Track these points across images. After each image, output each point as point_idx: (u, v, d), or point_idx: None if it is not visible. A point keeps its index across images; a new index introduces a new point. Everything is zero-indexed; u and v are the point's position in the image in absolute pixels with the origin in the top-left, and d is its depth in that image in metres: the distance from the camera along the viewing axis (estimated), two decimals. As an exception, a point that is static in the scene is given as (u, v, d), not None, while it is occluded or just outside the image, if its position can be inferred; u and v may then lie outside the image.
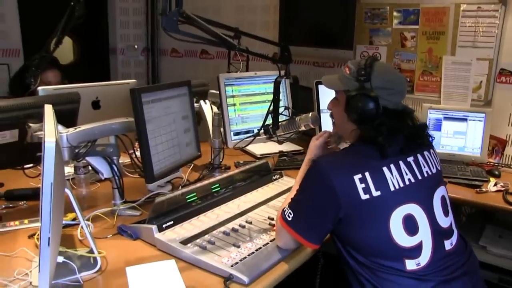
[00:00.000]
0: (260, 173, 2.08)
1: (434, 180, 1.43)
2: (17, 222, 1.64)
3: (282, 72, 1.60)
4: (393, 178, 1.32)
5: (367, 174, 1.29)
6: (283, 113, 1.62)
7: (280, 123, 1.59)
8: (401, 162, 1.35)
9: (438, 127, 2.55)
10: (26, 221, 1.66)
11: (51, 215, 1.04)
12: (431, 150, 1.49)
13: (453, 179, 2.31)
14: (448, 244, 1.38)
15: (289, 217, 1.37)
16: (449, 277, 1.32)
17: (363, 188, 1.28)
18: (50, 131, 1.08)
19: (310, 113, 1.58)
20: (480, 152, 2.49)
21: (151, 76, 4.51)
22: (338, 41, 2.99)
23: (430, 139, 1.50)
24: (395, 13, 2.88)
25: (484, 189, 2.20)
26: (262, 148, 2.55)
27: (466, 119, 2.51)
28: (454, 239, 1.41)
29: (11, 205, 1.82)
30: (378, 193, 1.28)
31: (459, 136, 2.53)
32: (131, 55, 4.49)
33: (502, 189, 2.20)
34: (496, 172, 2.41)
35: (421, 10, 2.79)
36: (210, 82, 2.90)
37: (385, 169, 1.32)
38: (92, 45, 4.45)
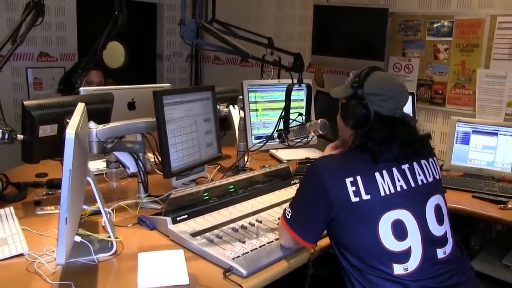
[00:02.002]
0: (281, 177, 2.16)
1: (429, 188, 1.44)
2: (53, 207, 1.83)
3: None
4: (384, 184, 1.35)
5: (358, 178, 1.34)
6: (297, 119, 1.70)
7: (291, 129, 1.67)
8: (394, 169, 1.39)
9: (466, 141, 2.52)
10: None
11: (68, 198, 1.18)
12: (431, 159, 1.50)
13: (477, 193, 2.28)
14: (441, 253, 1.39)
15: (288, 215, 1.46)
16: (441, 285, 1.34)
17: (353, 191, 1.33)
18: (73, 125, 1.23)
19: (319, 120, 1.65)
20: (510, 168, 2.43)
21: (194, 81, 4.71)
22: (370, 52, 3.02)
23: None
24: (428, 25, 2.88)
25: (510, 206, 2.13)
26: (289, 154, 2.64)
27: (496, 134, 2.47)
28: (448, 248, 1.42)
29: (50, 192, 2.01)
30: (368, 197, 1.33)
31: (488, 150, 2.49)
32: (176, 61, 4.72)
33: None
34: (528, 190, 2.34)
35: (455, 22, 2.78)
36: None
37: (377, 174, 1.36)
38: (141, 50, 4.71)
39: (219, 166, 2.42)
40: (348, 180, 1.33)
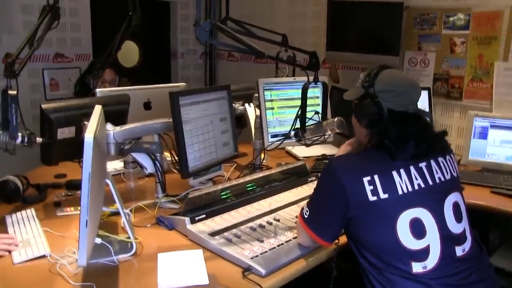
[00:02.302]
0: (297, 175, 2.16)
1: (446, 186, 1.44)
2: (72, 208, 1.86)
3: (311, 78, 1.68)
4: (401, 182, 1.35)
5: (376, 176, 1.34)
6: (313, 117, 1.70)
7: (308, 127, 1.67)
8: (411, 167, 1.38)
9: (484, 136, 2.49)
10: (80, 207, 1.86)
11: (88, 201, 1.20)
12: (448, 156, 1.49)
13: (496, 188, 2.26)
14: (460, 250, 1.39)
15: (305, 214, 1.46)
16: (460, 283, 1.34)
17: (371, 190, 1.33)
18: (91, 128, 1.24)
19: (336, 118, 1.64)
20: (530, 162, 2.41)
21: (209, 78, 4.71)
22: (385, 47, 2.99)
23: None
24: (444, 18, 2.84)
25: (529, 200, 2.11)
26: (306, 151, 2.62)
27: (515, 128, 2.44)
28: (467, 245, 1.41)
29: (70, 194, 2.04)
30: (386, 195, 1.33)
31: (507, 145, 2.46)
32: (191, 59, 4.72)
33: None
34: (547, 184, 2.31)
35: (472, 14, 2.74)
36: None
37: (394, 173, 1.36)
38: (155, 49, 4.72)
39: (236, 164, 2.43)
40: (365, 179, 1.33)
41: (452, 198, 1.43)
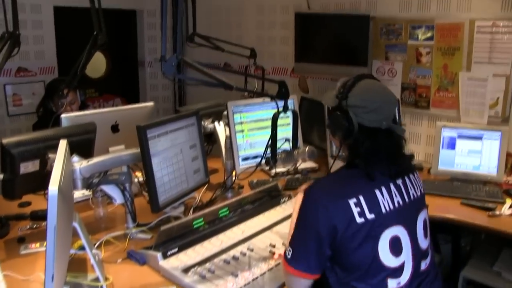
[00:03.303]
0: (270, 194, 2.15)
1: (419, 203, 1.47)
2: (38, 244, 1.77)
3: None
4: (384, 201, 1.35)
5: (361, 197, 1.32)
6: (283, 145, 1.68)
7: (278, 156, 1.66)
8: (391, 184, 1.39)
9: (452, 146, 2.54)
10: (46, 243, 1.79)
11: (54, 255, 1.15)
12: (415, 173, 1.52)
13: (466, 200, 2.30)
14: (424, 264, 1.44)
15: (288, 254, 1.37)
16: None
17: (358, 212, 1.31)
18: (55, 178, 1.19)
19: (307, 147, 1.63)
20: (496, 171, 2.46)
21: (177, 87, 4.65)
22: (353, 58, 3.01)
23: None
24: (410, 29, 2.88)
25: (497, 212, 2.15)
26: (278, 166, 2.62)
27: (481, 138, 2.49)
28: (428, 259, 1.47)
29: (35, 226, 1.96)
30: (372, 215, 1.32)
31: (474, 154, 2.51)
32: (159, 68, 4.63)
33: None
34: (514, 192, 2.36)
35: (435, 26, 2.77)
36: (231, 97, 2.99)
37: (377, 191, 1.35)
38: (122, 58, 4.63)
39: (207, 184, 2.39)
40: (351, 202, 1.31)
41: (423, 215, 1.47)
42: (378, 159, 1.37)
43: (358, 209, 1.31)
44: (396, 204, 1.37)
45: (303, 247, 1.36)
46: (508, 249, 2.35)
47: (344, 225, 1.30)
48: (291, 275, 1.38)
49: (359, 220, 1.31)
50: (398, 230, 1.37)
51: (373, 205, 1.33)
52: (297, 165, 1.66)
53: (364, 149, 1.37)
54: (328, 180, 1.47)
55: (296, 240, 1.38)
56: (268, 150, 1.65)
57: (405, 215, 1.40)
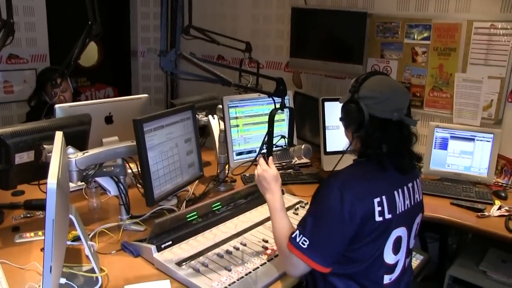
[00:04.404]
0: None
1: (419, 206, 1.54)
2: (32, 234, 1.78)
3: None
4: (400, 202, 1.41)
5: (384, 197, 1.36)
6: (279, 142, 1.69)
7: (274, 153, 1.66)
8: (405, 187, 1.45)
9: (444, 146, 2.57)
10: (40, 233, 1.79)
11: (52, 247, 1.15)
12: (419, 179, 1.57)
13: (455, 200, 2.33)
14: (408, 261, 1.55)
15: (303, 244, 1.35)
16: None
17: (379, 211, 1.35)
18: (53, 172, 1.18)
19: (303, 145, 1.63)
20: (487, 172, 2.49)
21: (169, 78, 4.62)
22: (348, 55, 3.01)
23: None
24: (406, 28, 2.89)
25: (486, 213, 2.18)
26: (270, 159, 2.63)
27: (473, 139, 2.52)
28: (410, 256, 1.58)
29: (28, 215, 1.96)
30: (390, 216, 1.37)
31: (465, 155, 2.54)
32: (151, 58, 4.62)
33: (506, 214, 2.17)
34: (503, 194, 2.40)
35: (432, 25, 2.79)
36: (225, 89, 2.98)
37: (395, 193, 1.41)
38: (115, 48, 4.59)
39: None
40: (376, 200, 1.35)
41: (418, 218, 1.54)
42: (389, 151, 1.40)
43: (380, 208, 1.35)
44: (406, 207, 1.44)
45: (321, 242, 1.34)
46: (494, 249, 2.40)
47: (365, 222, 1.33)
48: (301, 261, 1.36)
49: (378, 218, 1.35)
50: (402, 231, 1.44)
51: (392, 206, 1.38)
52: (293, 162, 1.66)
53: (375, 140, 1.39)
54: (352, 174, 1.42)
55: (315, 232, 1.34)
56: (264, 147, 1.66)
57: (409, 217, 1.48)
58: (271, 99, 1.65)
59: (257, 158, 1.64)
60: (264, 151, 1.65)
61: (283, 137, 1.70)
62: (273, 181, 1.55)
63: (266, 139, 1.62)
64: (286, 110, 1.69)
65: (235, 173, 2.33)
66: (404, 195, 1.43)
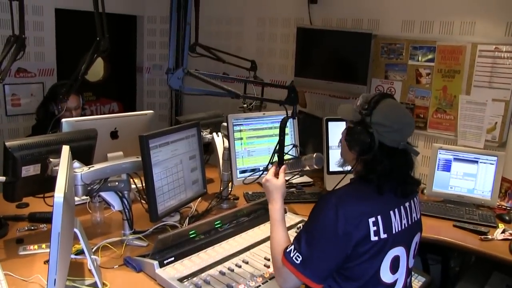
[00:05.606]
0: (265, 207, 2.16)
1: (417, 225, 1.53)
2: (36, 246, 1.78)
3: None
4: (395, 222, 1.41)
5: (379, 217, 1.37)
6: (290, 151, 1.67)
7: (285, 162, 1.65)
8: (401, 207, 1.44)
9: (447, 168, 2.57)
10: (44, 245, 1.79)
11: (57, 261, 1.16)
12: (417, 196, 1.56)
13: (458, 223, 2.32)
14: (408, 281, 1.53)
15: (297, 260, 1.37)
16: None
17: (374, 231, 1.35)
18: (60, 186, 1.20)
19: (315, 154, 1.60)
20: (490, 195, 2.49)
21: (174, 94, 4.66)
22: (353, 76, 3.04)
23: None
24: (411, 49, 2.92)
25: (490, 237, 2.17)
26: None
27: (477, 161, 2.52)
28: (410, 276, 1.57)
29: (33, 228, 1.97)
30: (385, 236, 1.37)
31: (469, 178, 2.54)
32: (157, 74, 4.67)
33: (510, 237, 2.15)
34: (507, 217, 2.38)
35: (437, 47, 2.82)
36: (228, 106, 3.00)
37: (391, 212, 1.41)
38: (120, 63, 4.64)
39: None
40: (371, 220, 1.35)
41: (417, 237, 1.54)
42: (392, 178, 1.41)
43: (375, 228, 1.35)
44: (403, 226, 1.44)
45: (315, 259, 1.36)
46: (498, 272, 2.35)
47: (360, 241, 1.34)
48: (294, 276, 1.37)
49: (373, 238, 1.35)
50: (399, 250, 1.43)
51: (388, 225, 1.38)
52: (304, 169, 1.63)
53: (381, 167, 1.39)
54: (348, 193, 1.43)
55: (309, 246, 1.36)
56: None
57: (407, 236, 1.47)
58: (275, 118, 1.67)
59: (269, 166, 1.64)
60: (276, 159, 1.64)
61: (294, 146, 1.70)
62: (275, 191, 1.56)
63: (277, 147, 1.62)
64: (290, 122, 1.66)
65: (236, 190, 2.33)
66: (400, 215, 1.43)
